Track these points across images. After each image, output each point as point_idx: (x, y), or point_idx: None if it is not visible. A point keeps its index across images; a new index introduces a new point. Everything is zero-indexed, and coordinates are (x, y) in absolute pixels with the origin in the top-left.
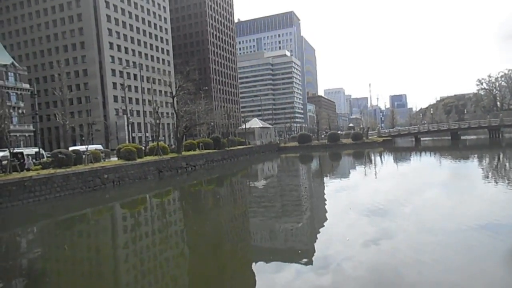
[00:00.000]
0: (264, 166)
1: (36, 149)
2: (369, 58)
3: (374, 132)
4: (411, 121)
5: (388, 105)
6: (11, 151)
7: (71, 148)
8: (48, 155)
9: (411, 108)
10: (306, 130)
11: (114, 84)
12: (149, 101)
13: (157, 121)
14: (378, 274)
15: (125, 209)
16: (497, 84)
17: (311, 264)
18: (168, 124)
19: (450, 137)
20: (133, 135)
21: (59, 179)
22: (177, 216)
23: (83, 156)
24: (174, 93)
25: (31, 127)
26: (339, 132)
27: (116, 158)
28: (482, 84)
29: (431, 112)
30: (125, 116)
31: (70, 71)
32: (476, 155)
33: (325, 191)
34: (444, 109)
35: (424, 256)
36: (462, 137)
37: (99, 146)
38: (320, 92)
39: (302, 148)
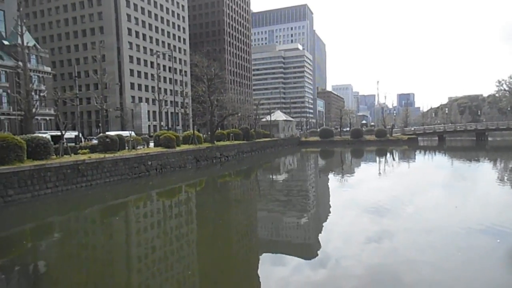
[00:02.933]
0: (290, 159)
1: (75, 133)
2: (377, 56)
3: (398, 129)
4: (423, 120)
5: (395, 104)
6: (63, 133)
7: (114, 133)
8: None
9: (419, 107)
10: (316, 126)
11: (131, 71)
12: (164, 89)
13: (186, 110)
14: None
15: (167, 197)
16: None
17: (315, 257)
18: (178, 113)
19: (474, 138)
20: (149, 124)
21: (109, 164)
22: (209, 205)
23: (126, 141)
24: (190, 83)
25: (52, 111)
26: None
27: (151, 145)
28: (502, 85)
29: (446, 111)
30: (141, 104)
31: (87, 56)
32: (505, 158)
33: (344, 189)
34: (457, 109)
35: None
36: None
37: (132, 133)
38: (329, 88)
39: (324, 143)
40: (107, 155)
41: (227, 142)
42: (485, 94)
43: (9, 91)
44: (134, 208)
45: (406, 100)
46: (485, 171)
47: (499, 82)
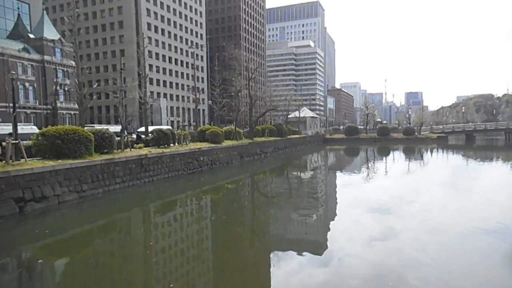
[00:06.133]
0: (320, 156)
1: (119, 127)
2: (384, 54)
3: (426, 128)
4: (437, 119)
5: (403, 102)
6: (123, 126)
7: (165, 127)
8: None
9: (427, 106)
10: (327, 124)
11: (150, 66)
12: (182, 85)
13: (215, 106)
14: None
15: (215, 194)
16: None
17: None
18: (198, 109)
19: (503, 137)
20: (168, 119)
21: (167, 159)
22: (250, 202)
23: (176, 136)
24: (206, 78)
25: (76, 106)
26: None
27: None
28: None
29: (462, 110)
30: (160, 99)
31: (107, 51)
32: None
33: (372, 188)
34: (473, 108)
35: None
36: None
37: (169, 127)
38: (337, 86)
39: (349, 141)
40: (165, 150)
41: (264, 139)
42: (495, 93)
43: (35, 84)
44: (189, 204)
45: (414, 98)
46: None
47: None
